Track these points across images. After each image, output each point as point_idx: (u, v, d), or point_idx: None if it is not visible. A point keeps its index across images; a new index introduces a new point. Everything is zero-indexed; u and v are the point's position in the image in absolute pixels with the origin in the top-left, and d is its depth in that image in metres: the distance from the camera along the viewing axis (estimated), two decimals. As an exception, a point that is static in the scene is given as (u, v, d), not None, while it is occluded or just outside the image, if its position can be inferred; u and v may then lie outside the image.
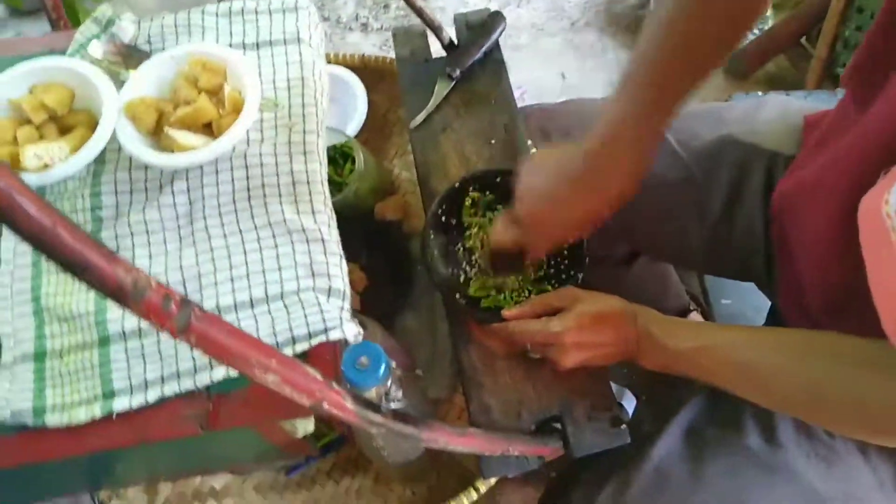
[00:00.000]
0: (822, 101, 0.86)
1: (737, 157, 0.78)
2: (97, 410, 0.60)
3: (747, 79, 1.59)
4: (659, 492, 0.70)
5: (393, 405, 0.54)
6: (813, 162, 0.65)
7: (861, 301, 0.61)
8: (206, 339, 0.36)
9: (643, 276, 1.08)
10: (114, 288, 0.32)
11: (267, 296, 0.65)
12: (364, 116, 1.04)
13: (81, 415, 0.60)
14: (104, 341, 0.64)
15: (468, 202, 0.81)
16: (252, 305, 0.64)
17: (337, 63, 1.08)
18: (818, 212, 0.62)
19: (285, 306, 0.64)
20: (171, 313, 0.34)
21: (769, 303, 1.14)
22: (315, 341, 0.62)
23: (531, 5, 1.75)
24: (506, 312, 0.73)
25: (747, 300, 1.16)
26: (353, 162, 0.95)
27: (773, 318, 0.89)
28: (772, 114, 0.80)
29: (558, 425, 0.74)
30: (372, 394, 0.55)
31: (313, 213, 0.68)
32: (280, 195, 0.68)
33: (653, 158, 0.62)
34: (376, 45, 1.62)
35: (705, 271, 0.94)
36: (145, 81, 0.70)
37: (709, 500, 0.68)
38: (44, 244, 0.29)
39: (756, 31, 1.58)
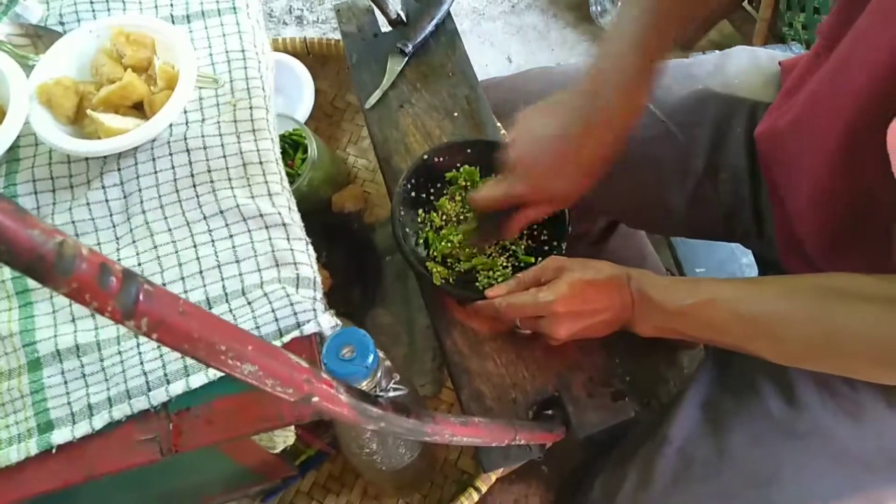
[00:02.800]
0: (782, 53, 0.84)
1: (717, 111, 0.74)
2: (32, 447, 0.51)
3: (692, 48, 1.58)
4: (685, 473, 0.66)
5: (391, 395, 0.47)
6: (794, 105, 0.62)
7: (861, 239, 0.59)
8: (162, 322, 0.28)
9: (619, 251, 1.05)
10: (31, 259, 0.24)
11: (226, 293, 0.56)
12: (311, 103, 0.97)
13: (13, 455, 0.50)
14: (34, 365, 0.54)
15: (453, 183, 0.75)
16: (209, 305, 0.56)
17: (277, 49, 1.00)
18: (809, 154, 0.60)
19: (248, 303, 0.56)
20: (112, 289, 0.26)
21: (745, 268, 1.12)
22: (287, 338, 0.54)
23: (470, -10, 1.70)
24: (489, 291, 0.66)
25: (723, 266, 1.14)
26: (305, 151, 0.87)
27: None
28: (743, 64, 0.78)
29: (550, 411, 0.68)
30: (362, 388, 0.47)
31: (270, 195, 0.60)
32: (230, 179, 0.60)
33: (650, 94, 0.60)
34: (313, 41, 1.54)
35: (687, 234, 0.90)
36: (60, 61, 0.61)
37: (738, 474, 0.64)
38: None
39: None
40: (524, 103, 0.86)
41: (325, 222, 0.92)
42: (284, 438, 0.56)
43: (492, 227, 0.70)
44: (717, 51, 0.89)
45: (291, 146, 0.90)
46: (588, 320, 0.64)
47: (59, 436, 0.51)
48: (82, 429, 0.51)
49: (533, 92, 0.86)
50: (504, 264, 0.72)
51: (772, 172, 0.68)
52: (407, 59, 0.87)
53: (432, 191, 0.75)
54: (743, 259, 1.12)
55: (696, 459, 0.66)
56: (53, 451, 0.51)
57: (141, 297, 0.27)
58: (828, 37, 0.60)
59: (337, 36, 0.94)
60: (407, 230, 0.71)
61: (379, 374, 0.48)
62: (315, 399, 0.36)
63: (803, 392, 0.65)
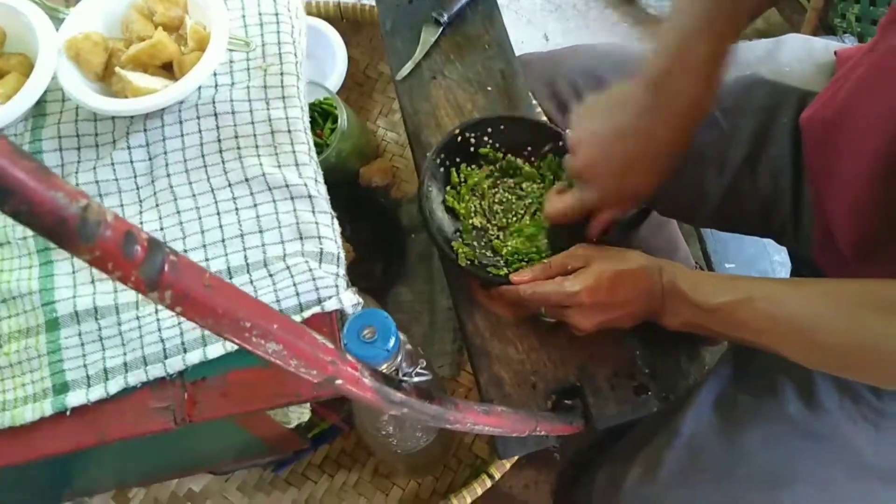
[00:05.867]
0: (837, 43, 0.80)
1: (765, 98, 0.71)
2: (47, 408, 0.50)
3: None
4: (693, 468, 0.64)
5: (415, 381, 0.45)
6: (840, 96, 0.59)
7: None
8: (186, 296, 0.26)
9: (650, 238, 1.02)
10: (53, 222, 0.22)
11: (247, 263, 0.55)
12: (344, 71, 0.94)
13: (28, 414, 0.50)
14: (52, 325, 0.53)
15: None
16: (230, 275, 0.55)
17: (310, 13, 0.97)
18: (850, 150, 0.57)
19: (270, 275, 0.54)
20: (136, 259, 0.25)
21: (777, 265, 1.09)
22: (308, 314, 0.53)
23: (508, -36, 1.65)
24: (514, 277, 0.64)
25: (754, 263, 1.11)
26: (335, 121, 0.85)
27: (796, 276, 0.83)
28: (796, 52, 0.74)
29: (569, 402, 0.67)
30: (381, 371, 0.46)
31: (297, 165, 0.58)
32: (257, 146, 0.58)
33: (721, 77, 0.56)
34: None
35: (720, 225, 0.87)
36: (90, 16, 0.59)
37: (749, 473, 0.62)
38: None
39: (745, -16, 1.51)
40: (564, 82, 0.84)
41: (351, 195, 0.90)
42: (300, 415, 0.55)
43: (565, 236, 0.67)
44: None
45: (321, 115, 0.88)
46: (614, 312, 0.62)
47: (74, 398, 0.50)
48: (97, 392, 0.51)
49: (575, 69, 0.83)
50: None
51: (813, 163, 0.65)
52: (442, 29, 0.84)
53: (462, 168, 0.73)
54: (775, 256, 1.08)
55: (705, 454, 0.64)
56: (68, 413, 0.50)
57: (166, 268, 0.25)
58: (891, 32, 0.57)
59: (372, 1, 0.91)
60: (434, 207, 0.69)
61: (399, 358, 0.46)
62: (339, 382, 0.34)
63: (824, 395, 0.63)
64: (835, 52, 0.71)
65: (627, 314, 0.62)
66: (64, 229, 0.23)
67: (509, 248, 0.69)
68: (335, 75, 0.93)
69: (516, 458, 0.74)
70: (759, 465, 0.63)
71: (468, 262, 0.66)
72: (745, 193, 0.73)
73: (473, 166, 0.73)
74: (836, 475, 0.62)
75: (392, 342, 0.46)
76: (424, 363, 0.44)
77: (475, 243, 0.70)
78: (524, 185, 0.73)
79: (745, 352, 0.70)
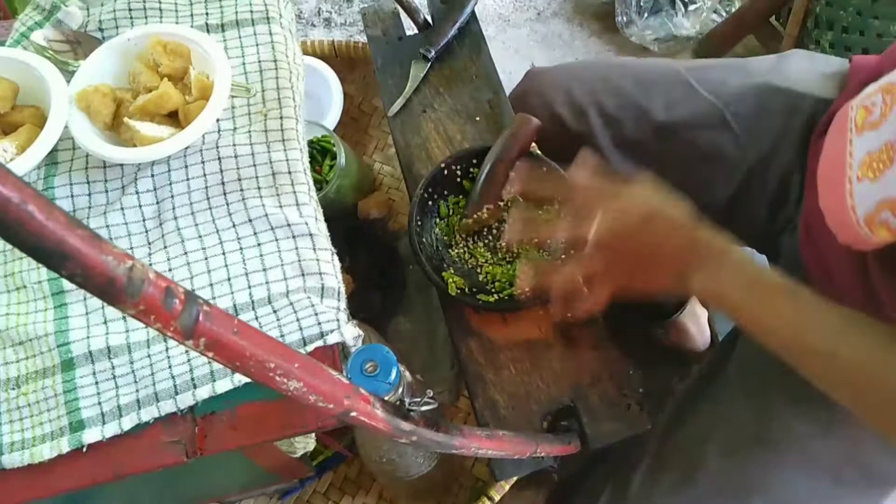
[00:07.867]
0: (837, 58, 0.83)
1: (778, 104, 0.72)
2: (64, 445, 0.52)
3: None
4: (659, 487, 0.66)
5: (422, 409, 0.48)
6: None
7: (890, 269, 0.58)
8: (218, 342, 0.29)
9: None
10: (103, 282, 0.25)
11: (252, 300, 0.57)
12: (340, 108, 0.98)
13: (45, 451, 0.52)
14: (68, 365, 0.55)
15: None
16: (236, 312, 0.57)
17: (305, 52, 1.01)
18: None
19: (274, 311, 0.57)
20: (175, 311, 0.27)
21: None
22: (311, 347, 0.55)
23: (496, -4, 1.70)
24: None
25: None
26: (333, 157, 0.88)
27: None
28: (801, 64, 0.76)
29: (565, 422, 0.69)
30: (386, 401, 0.48)
31: (297, 205, 0.61)
32: (259, 188, 0.61)
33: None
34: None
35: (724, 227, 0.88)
36: (99, 68, 0.62)
37: (711, 486, 0.65)
38: (10, 226, 0.22)
39: (724, 12, 1.56)
40: (583, 87, 0.81)
41: (349, 228, 0.93)
42: (305, 445, 0.57)
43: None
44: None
45: (320, 152, 0.91)
46: (638, 262, 0.56)
47: (90, 435, 0.52)
48: (112, 429, 0.53)
49: (595, 77, 0.82)
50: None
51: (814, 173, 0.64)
52: (430, 64, 0.88)
53: (450, 200, 0.76)
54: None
55: (670, 472, 0.67)
56: (84, 449, 0.52)
57: (200, 317, 0.28)
58: None
59: (364, 38, 0.95)
60: (424, 240, 0.72)
61: (401, 390, 0.49)
62: (353, 414, 0.37)
63: (776, 402, 0.65)
64: (849, 59, 0.71)
65: (654, 265, 0.55)
66: (113, 288, 0.25)
67: (498, 275, 0.72)
68: (332, 113, 0.97)
69: (515, 479, 0.76)
70: (719, 474, 0.65)
71: (458, 291, 0.69)
72: (753, 196, 0.74)
73: (461, 197, 0.76)
74: (791, 477, 0.64)
75: (394, 375, 0.48)
76: (432, 392, 0.47)
77: (465, 271, 0.72)
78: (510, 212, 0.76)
79: (708, 372, 0.72)
